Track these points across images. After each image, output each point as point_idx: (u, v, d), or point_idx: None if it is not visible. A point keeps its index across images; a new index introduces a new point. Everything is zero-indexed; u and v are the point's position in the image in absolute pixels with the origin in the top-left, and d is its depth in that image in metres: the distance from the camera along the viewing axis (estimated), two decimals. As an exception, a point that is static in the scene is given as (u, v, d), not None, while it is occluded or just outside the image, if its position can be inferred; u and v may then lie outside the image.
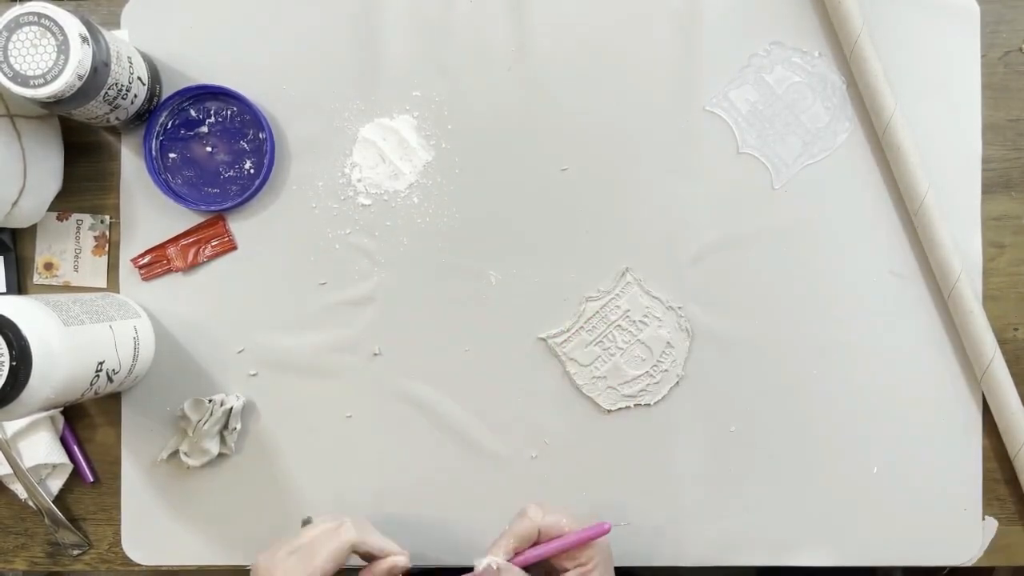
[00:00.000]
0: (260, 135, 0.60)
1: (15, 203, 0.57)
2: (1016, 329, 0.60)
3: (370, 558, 0.52)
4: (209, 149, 0.61)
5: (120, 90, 0.55)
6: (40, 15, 0.50)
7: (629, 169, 0.60)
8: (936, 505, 0.60)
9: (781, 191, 0.60)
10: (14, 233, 0.62)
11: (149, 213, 0.61)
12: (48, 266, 0.62)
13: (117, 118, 0.57)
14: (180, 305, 0.61)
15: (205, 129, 0.61)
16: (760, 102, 0.60)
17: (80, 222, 0.62)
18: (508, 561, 0.51)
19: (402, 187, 0.61)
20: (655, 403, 0.60)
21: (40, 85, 0.50)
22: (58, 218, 0.62)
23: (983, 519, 0.60)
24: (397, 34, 0.61)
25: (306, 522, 0.53)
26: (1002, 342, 0.58)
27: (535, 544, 0.52)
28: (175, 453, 0.61)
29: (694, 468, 0.60)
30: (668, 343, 0.60)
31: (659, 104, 0.60)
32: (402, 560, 0.52)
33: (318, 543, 0.50)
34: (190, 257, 0.61)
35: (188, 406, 0.60)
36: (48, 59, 0.50)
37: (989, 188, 0.59)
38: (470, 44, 0.61)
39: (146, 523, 0.62)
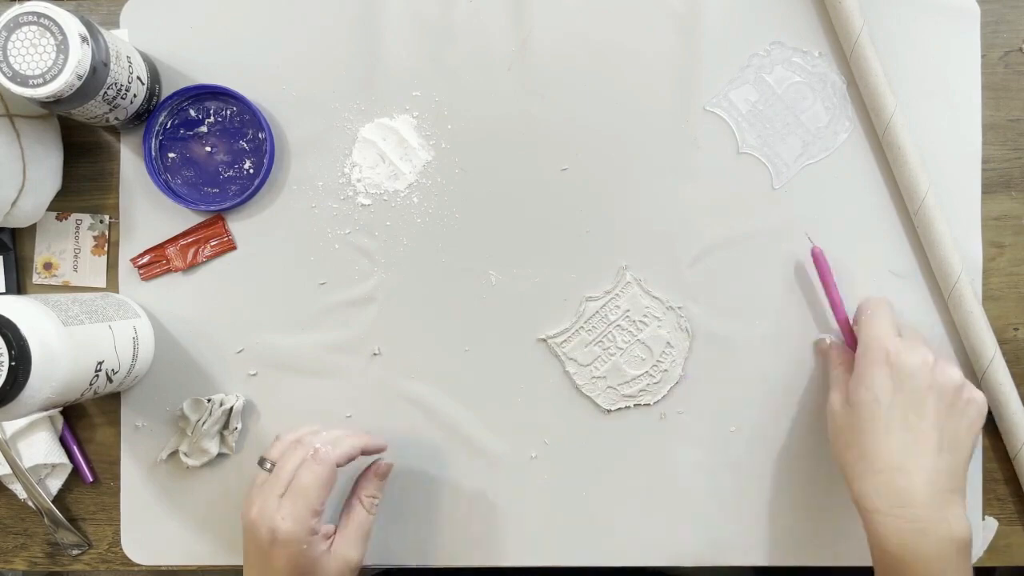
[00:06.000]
0: (260, 135, 0.60)
1: (14, 203, 0.57)
2: (1016, 329, 0.60)
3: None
4: (208, 149, 0.61)
5: (119, 90, 0.55)
6: (40, 15, 0.50)
7: (629, 169, 0.60)
8: (936, 505, 0.59)
9: (781, 191, 0.60)
10: (13, 233, 0.62)
11: (148, 213, 0.61)
12: (47, 266, 0.62)
13: (116, 118, 0.57)
14: (179, 305, 0.61)
15: (204, 129, 0.61)
16: (760, 102, 0.60)
17: (79, 222, 0.62)
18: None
19: (402, 187, 0.61)
20: (655, 403, 0.60)
21: (39, 85, 0.50)
22: (57, 218, 0.62)
23: (983, 519, 0.60)
24: (397, 34, 0.61)
25: (262, 463, 0.53)
26: (1002, 342, 0.58)
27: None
28: (175, 453, 0.61)
29: (693, 468, 0.60)
30: (668, 343, 0.60)
31: (659, 104, 0.60)
32: (383, 450, 0.57)
33: (304, 478, 0.51)
34: (189, 257, 0.61)
35: (187, 406, 0.60)
36: (47, 59, 0.50)
37: (989, 188, 0.59)
38: (470, 44, 0.61)
39: (146, 523, 0.62)
